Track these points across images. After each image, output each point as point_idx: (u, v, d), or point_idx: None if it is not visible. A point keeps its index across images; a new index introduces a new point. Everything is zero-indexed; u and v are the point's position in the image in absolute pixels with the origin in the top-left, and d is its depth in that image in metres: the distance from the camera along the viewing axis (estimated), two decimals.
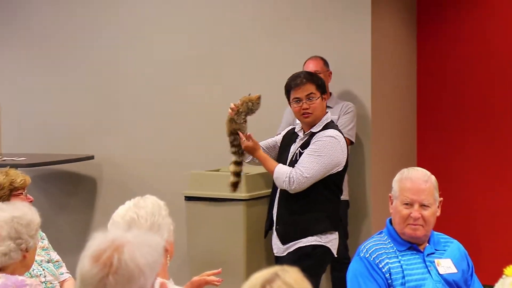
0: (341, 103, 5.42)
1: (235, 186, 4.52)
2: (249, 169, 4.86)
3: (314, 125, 4.33)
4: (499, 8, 6.00)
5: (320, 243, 4.30)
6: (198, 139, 6.09)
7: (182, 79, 6.18)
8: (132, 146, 6.37)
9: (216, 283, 3.41)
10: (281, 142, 4.54)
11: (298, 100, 4.32)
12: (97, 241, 2.02)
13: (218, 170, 5.50)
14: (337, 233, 4.40)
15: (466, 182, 6.10)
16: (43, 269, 3.96)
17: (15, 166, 4.97)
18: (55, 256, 4.11)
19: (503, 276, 2.44)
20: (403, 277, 3.26)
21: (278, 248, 4.40)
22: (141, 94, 6.34)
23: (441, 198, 3.39)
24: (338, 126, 4.58)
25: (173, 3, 6.23)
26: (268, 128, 5.32)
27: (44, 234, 4.08)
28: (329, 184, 4.32)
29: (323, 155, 4.23)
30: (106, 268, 1.98)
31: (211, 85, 6.08)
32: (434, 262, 3.33)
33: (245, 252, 5.15)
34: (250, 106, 4.42)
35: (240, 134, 4.39)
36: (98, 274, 1.98)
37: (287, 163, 4.33)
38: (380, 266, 3.28)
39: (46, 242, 4.11)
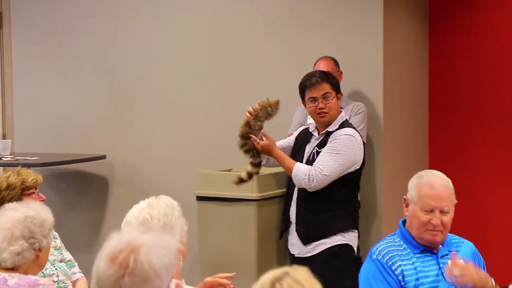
0: (352, 104, 5.40)
1: (240, 181, 4.46)
2: (261, 169, 4.84)
3: (330, 125, 4.32)
4: None
5: (344, 242, 4.32)
6: (210, 139, 6.08)
7: (192, 79, 6.18)
8: (143, 146, 6.38)
9: (227, 286, 3.41)
10: (295, 142, 4.52)
11: (314, 99, 4.31)
12: (113, 242, 2.02)
13: (230, 170, 5.50)
14: (356, 231, 4.40)
15: (478, 182, 6.08)
16: (56, 269, 3.96)
17: (28, 165, 4.97)
18: (67, 255, 4.11)
19: None
20: (417, 279, 3.24)
21: (300, 249, 4.38)
22: (152, 94, 6.34)
23: (456, 201, 3.37)
24: None
25: (175, 4, 6.23)
26: (271, 128, 5.28)
27: (57, 233, 4.07)
28: (347, 183, 4.32)
29: (341, 153, 4.23)
30: (122, 269, 1.98)
31: (222, 85, 6.07)
32: (447, 263, 3.32)
33: (257, 253, 5.14)
34: (269, 111, 4.38)
35: (253, 137, 4.36)
36: (114, 275, 1.98)
37: (304, 163, 4.32)
38: (393, 268, 3.26)
39: (58, 241, 4.11)
